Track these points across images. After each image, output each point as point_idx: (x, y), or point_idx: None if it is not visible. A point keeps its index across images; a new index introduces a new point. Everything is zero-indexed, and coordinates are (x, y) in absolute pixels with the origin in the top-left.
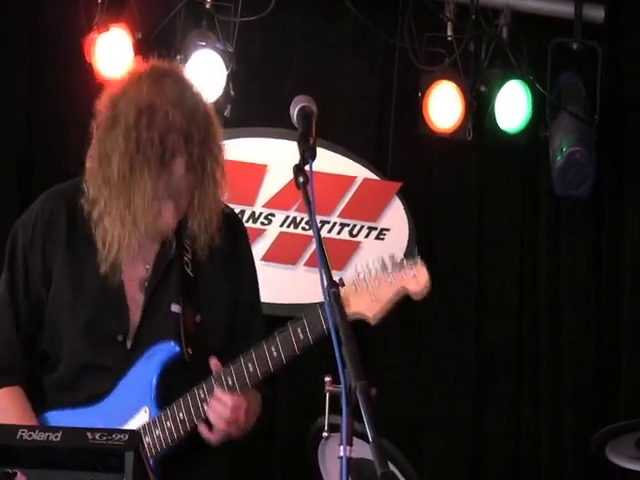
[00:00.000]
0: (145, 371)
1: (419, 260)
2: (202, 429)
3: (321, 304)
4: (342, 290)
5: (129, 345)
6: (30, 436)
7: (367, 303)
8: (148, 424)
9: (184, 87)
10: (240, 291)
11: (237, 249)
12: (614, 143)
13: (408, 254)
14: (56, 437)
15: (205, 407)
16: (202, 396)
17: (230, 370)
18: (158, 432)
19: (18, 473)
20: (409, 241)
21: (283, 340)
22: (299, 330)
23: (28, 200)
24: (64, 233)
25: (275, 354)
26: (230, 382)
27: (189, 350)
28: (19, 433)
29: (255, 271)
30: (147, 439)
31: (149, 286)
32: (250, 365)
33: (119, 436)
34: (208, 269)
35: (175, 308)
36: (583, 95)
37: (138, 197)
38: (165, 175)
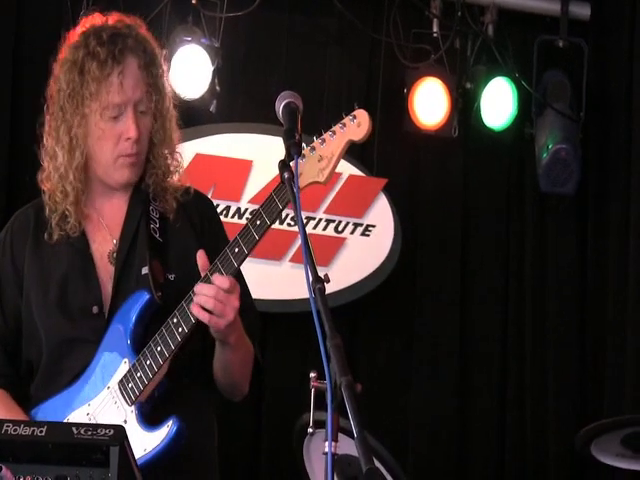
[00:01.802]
0: (121, 327)
1: (356, 107)
2: (194, 308)
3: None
4: (292, 164)
5: (106, 315)
6: (15, 431)
7: (316, 167)
8: (129, 371)
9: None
10: (214, 247)
11: (203, 220)
12: (600, 140)
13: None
14: (41, 432)
15: (179, 329)
16: (175, 321)
17: (216, 263)
18: (139, 374)
19: (3, 468)
20: (394, 237)
21: (264, 207)
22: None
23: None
24: (31, 234)
25: (259, 222)
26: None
27: (159, 294)
28: (4, 428)
29: (224, 230)
30: (130, 385)
31: (118, 256)
32: (236, 247)
33: (104, 431)
34: (177, 234)
35: (145, 270)
36: (569, 92)
37: (93, 114)
38: (117, 73)
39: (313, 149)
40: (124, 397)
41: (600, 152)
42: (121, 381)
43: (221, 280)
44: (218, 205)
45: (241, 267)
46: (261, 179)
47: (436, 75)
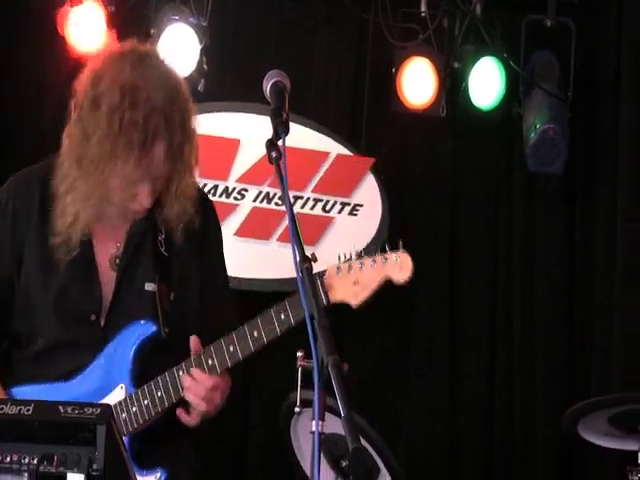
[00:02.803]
0: (121, 349)
1: (402, 248)
2: (180, 414)
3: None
4: (326, 275)
5: (102, 323)
6: (2, 409)
7: (350, 289)
8: (125, 400)
9: (165, 69)
10: (211, 273)
11: (208, 230)
12: (587, 120)
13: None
14: (28, 410)
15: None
16: (180, 374)
17: (210, 350)
18: (135, 409)
19: None
20: (382, 217)
21: (264, 320)
22: (281, 311)
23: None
24: (36, 214)
25: (256, 334)
26: (210, 363)
27: (166, 330)
28: None
29: (223, 253)
30: (124, 415)
31: (120, 263)
32: (231, 346)
33: (91, 410)
34: (181, 249)
35: (149, 287)
36: (557, 72)
37: (115, 179)
38: (145, 159)
39: (351, 268)
40: None
41: (588, 132)
42: (115, 407)
43: (207, 380)
44: (206, 184)
45: (229, 245)
46: (249, 158)
47: (424, 55)
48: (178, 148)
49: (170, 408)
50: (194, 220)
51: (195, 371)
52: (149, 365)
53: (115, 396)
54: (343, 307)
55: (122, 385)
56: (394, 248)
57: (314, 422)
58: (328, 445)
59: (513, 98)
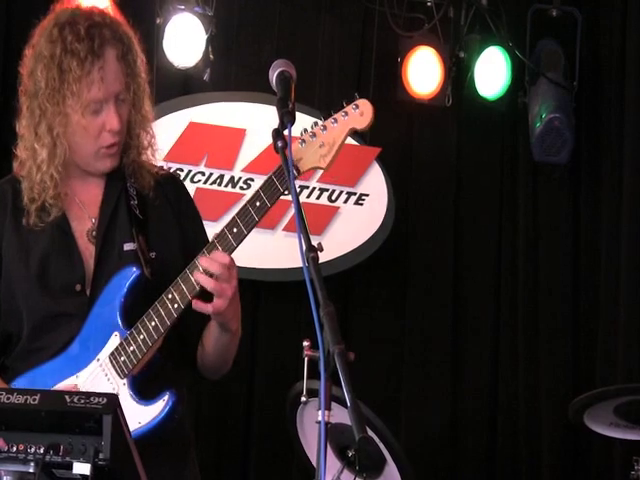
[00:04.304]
0: (109, 301)
1: (357, 97)
2: (196, 304)
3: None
4: (293, 149)
5: (88, 292)
6: (8, 399)
7: (317, 153)
8: (121, 344)
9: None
10: (191, 233)
11: (180, 198)
12: (593, 109)
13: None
14: (34, 400)
15: (175, 305)
16: (170, 297)
17: (214, 243)
18: (132, 347)
19: None
20: (388, 206)
21: (264, 188)
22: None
23: None
24: (10, 211)
25: (258, 203)
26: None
27: (149, 270)
28: None
29: (201, 219)
30: (122, 358)
31: (98, 234)
32: (234, 228)
33: (97, 399)
34: (156, 211)
35: (129, 246)
36: (562, 62)
37: (73, 109)
38: (97, 69)
39: (314, 135)
40: (116, 370)
41: (593, 121)
42: (112, 354)
43: (220, 256)
44: (212, 174)
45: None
46: (254, 148)
47: (430, 44)
48: (132, 69)
49: (166, 334)
50: (165, 190)
51: (201, 258)
52: (138, 312)
53: (111, 344)
54: (347, 289)
55: (115, 332)
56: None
57: (320, 412)
58: (334, 435)
59: (518, 88)
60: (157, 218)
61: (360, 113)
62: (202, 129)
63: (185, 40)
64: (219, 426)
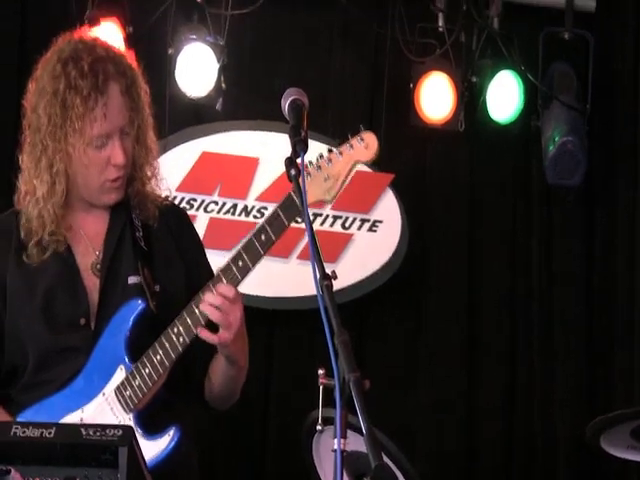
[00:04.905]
0: (114, 335)
1: (362, 129)
2: (202, 332)
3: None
4: (296, 184)
5: (93, 326)
6: (24, 432)
7: (322, 186)
8: (126, 378)
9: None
10: (195, 267)
11: (183, 229)
12: (606, 132)
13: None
14: (50, 433)
15: (180, 339)
16: (176, 331)
17: (219, 276)
18: (137, 382)
19: (12, 470)
20: (402, 232)
21: (269, 221)
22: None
23: None
24: (14, 244)
25: (264, 237)
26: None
27: (154, 303)
28: (13, 429)
29: (204, 250)
30: (127, 392)
31: (102, 267)
32: (240, 261)
33: (113, 431)
34: (161, 243)
35: (133, 279)
36: (574, 84)
37: (75, 145)
38: (100, 105)
39: (319, 168)
40: (121, 404)
41: (606, 144)
42: (118, 388)
43: (225, 289)
44: (225, 203)
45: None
46: (267, 176)
47: (442, 69)
48: (136, 103)
49: (171, 368)
50: (168, 221)
51: (206, 295)
52: (143, 345)
53: (117, 378)
54: (362, 316)
55: (121, 366)
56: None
57: (336, 440)
58: (350, 462)
59: (531, 111)
60: (162, 250)
61: (365, 146)
62: (215, 158)
63: (197, 70)
64: (234, 454)
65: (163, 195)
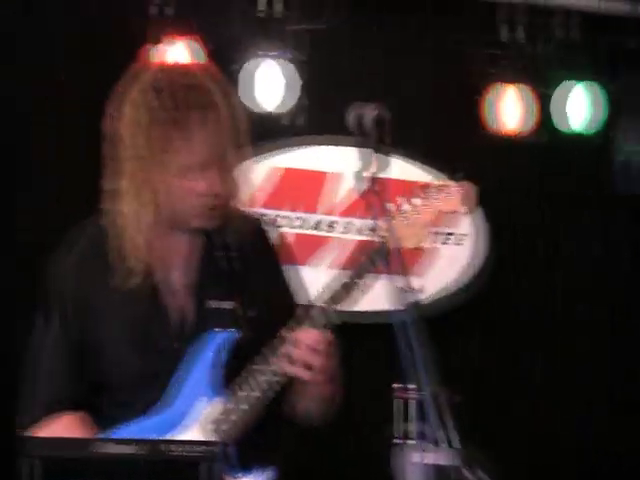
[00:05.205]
0: (205, 362)
1: (461, 177)
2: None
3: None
4: (386, 226)
5: (182, 349)
6: (106, 449)
7: (407, 231)
8: (222, 412)
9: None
10: (278, 292)
11: (269, 253)
12: None
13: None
14: (132, 449)
15: (276, 379)
16: (271, 369)
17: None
18: (234, 417)
19: None
20: (487, 245)
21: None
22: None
23: None
24: (100, 260)
25: (348, 279)
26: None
27: (244, 332)
28: (93, 445)
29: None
30: (224, 427)
31: (193, 291)
32: (324, 303)
33: (195, 447)
34: (251, 265)
35: (224, 304)
36: None
37: (160, 168)
38: (184, 130)
39: (404, 212)
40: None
41: None
42: (210, 420)
43: (307, 334)
44: (296, 218)
45: (323, 278)
46: (338, 191)
47: (516, 81)
48: (222, 128)
49: (269, 404)
50: (255, 241)
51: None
52: (233, 375)
53: (208, 410)
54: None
55: (213, 399)
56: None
57: (417, 453)
58: (431, 476)
59: (606, 122)
60: (252, 273)
61: (463, 195)
62: (285, 174)
63: (272, 86)
64: (314, 470)
65: (252, 215)
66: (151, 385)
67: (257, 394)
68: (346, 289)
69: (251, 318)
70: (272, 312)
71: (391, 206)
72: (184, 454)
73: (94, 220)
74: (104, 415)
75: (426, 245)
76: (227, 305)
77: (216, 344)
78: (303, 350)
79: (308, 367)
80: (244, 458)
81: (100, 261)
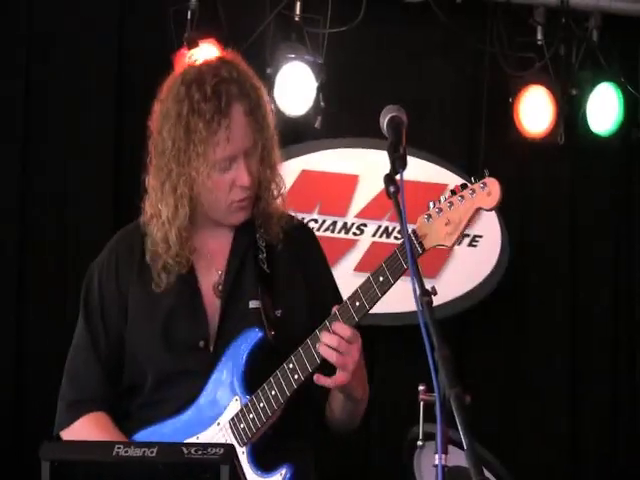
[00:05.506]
0: (231, 363)
1: (487, 175)
2: (318, 378)
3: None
4: (417, 225)
5: (212, 349)
6: (126, 452)
7: (443, 230)
8: (241, 410)
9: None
10: (318, 287)
11: (310, 250)
12: None
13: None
14: (152, 452)
15: (295, 376)
16: (291, 367)
17: (336, 314)
18: (252, 415)
19: None
20: (502, 247)
21: (388, 263)
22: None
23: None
24: (137, 261)
25: (382, 279)
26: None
27: (272, 332)
28: (115, 449)
29: (330, 271)
30: (242, 425)
31: (224, 290)
32: (357, 302)
33: (214, 450)
34: (284, 265)
35: (254, 304)
36: None
37: (199, 169)
38: (224, 128)
39: (440, 210)
40: (235, 437)
41: None
42: (232, 420)
43: (342, 328)
44: (325, 221)
45: (350, 280)
46: (367, 194)
47: (541, 83)
48: (261, 123)
49: (286, 404)
50: (294, 241)
51: (333, 324)
52: (261, 375)
53: (232, 409)
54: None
55: (236, 397)
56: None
57: (437, 455)
58: (452, 478)
59: (632, 123)
60: (284, 274)
61: (487, 193)
62: (314, 177)
63: (296, 88)
64: (335, 471)
65: (288, 213)
66: (181, 384)
67: (274, 392)
68: (381, 289)
69: (276, 318)
70: (302, 313)
71: (429, 205)
72: (204, 457)
73: (134, 226)
74: (134, 417)
75: (456, 245)
76: (254, 304)
77: (244, 345)
78: (336, 339)
79: (340, 354)
80: (263, 458)
81: (136, 261)
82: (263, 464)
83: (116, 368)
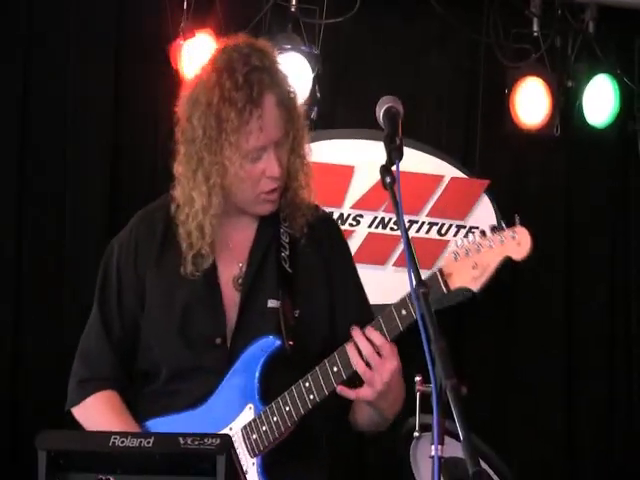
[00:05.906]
0: (247, 368)
1: (518, 224)
2: (342, 390)
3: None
4: (444, 262)
5: (228, 346)
6: (123, 442)
7: (469, 274)
8: (254, 420)
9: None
10: (342, 288)
11: (334, 246)
12: None
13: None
14: (148, 443)
15: (310, 396)
16: (307, 386)
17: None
18: (265, 428)
19: (111, 479)
20: None
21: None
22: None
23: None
24: (157, 245)
25: (404, 312)
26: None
27: (290, 342)
28: (112, 439)
29: (355, 268)
30: (254, 436)
31: (244, 284)
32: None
33: (211, 440)
34: (306, 262)
35: (273, 303)
36: None
37: (230, 158)
38: (255, 117)
39: (468, 252)
40: (247, 446)
41: None
42: (245, 428)
43: (377, 336)
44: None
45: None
46: (363, 184)
47: (537, 74)
48: (291, 114)
49: (300, 422)
50: (319, 235)
51: (357, 334)
52: (276, 381)
53: (245, 417)
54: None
55: (250, 405)
56: (511, 225)
57: (433, 446)
58: (448, 469)
59: (628, 115)
60: (306, 272)
61: (518, 242)
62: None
63: (292, 79)
64: (331, 463)
65: (314, 204)
66: (196, 379)
67: (288, 408)
68: (397, 318)
69: (295, 318)
70: (322, 314)
71: (456, 242)
72: (200, 447)
73: (157, 206)
74: (147, 400)
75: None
76: (273, 303)
77: (260, 352)
78: (368, 348)
79: (369, 369)
80: (274, 471)
81: (157, 243)
82: (272, 475)
83: (129, 352)
